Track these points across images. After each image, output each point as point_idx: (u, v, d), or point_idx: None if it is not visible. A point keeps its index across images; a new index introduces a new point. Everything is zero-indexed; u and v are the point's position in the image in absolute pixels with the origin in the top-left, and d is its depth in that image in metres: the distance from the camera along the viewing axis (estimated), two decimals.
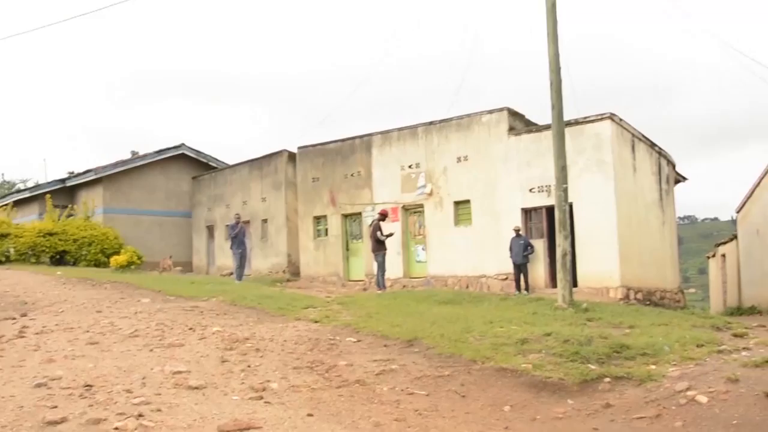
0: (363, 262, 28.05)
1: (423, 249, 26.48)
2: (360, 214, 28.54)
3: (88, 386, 9.06)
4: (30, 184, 61.26)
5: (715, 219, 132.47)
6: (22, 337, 12.99)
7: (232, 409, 8.03)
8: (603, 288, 21.12)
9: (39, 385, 9.16)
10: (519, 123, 24.60)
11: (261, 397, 8.60)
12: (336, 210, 29.54)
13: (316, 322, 14.08)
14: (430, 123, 26.42)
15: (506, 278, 23.34)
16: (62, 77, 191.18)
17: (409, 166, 26.77)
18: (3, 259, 30.74)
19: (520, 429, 7.89)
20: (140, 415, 7.61)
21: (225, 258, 33.22)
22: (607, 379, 9.27)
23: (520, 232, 22.58)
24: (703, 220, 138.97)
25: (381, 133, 28.09)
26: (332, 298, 18.58)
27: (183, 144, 39.05)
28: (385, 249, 22.60)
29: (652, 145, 25.12)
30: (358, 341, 12.13)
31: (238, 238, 25.54)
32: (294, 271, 31.44)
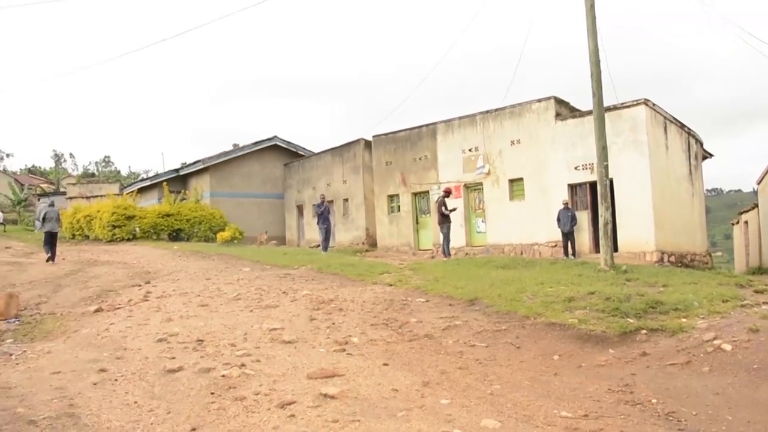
0: (431, 233, 28.03)
1: (482, 221, 26.37)
2: (427, 192, 28.49)
3: (200, 341, 9.32)
4: (151, 174, 62.67)
5: (739, 190, 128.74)
6: (146, 300, 13.37)
7: (319, 359, 8.16)
8: (640, 252, 20.82)
9: (160, 340, 9.47)
10: (564, 109, 24.31)
11: (344, 350, 8.72)
12: (407, 189, 29.55)
13: (390, 285, 14.18)
14: (487, 111, 26.24)
15: (555, 245, 23.15)
16: (177, 84, 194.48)
17: (469, 150, 26.65)
18: (130, 236, 31.53)
19: (568, 375, 7.88)
20: (243, 365, 7.80)
21: (312, 232, 33.45)
22: (644, 331, 9.19)
23: (568, 205, 22.38)
24: (728, 192, 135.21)
25: (444, 121, 27.97)
26: (404, 265, 18.62)
27: (275, 136, 39.36)
28: (450, 222, 22.57)
29: (682, 126, 24.62)
30: (427, 301, 12.20)
31: (323, 215, 25.73)
32: (371, 243, 31.58)
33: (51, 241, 23.50)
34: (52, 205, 25.17)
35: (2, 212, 51.78)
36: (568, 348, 8.97)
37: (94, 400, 6.87)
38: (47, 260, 23.12)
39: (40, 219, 24.45)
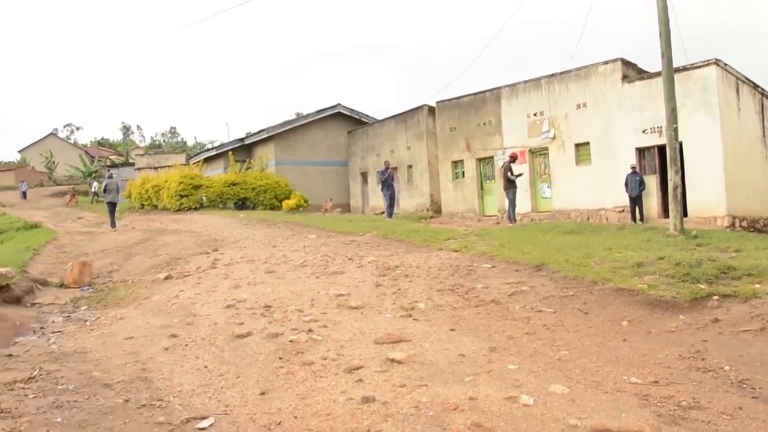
0: (496, 199, 27.92)
1: (548, 186, 26.15)
2: (492, 157, 28.35)
3: (267, 307, 9.45)
4: (216, 144, 63.58)
5: None
6: (215, 267, 13.60)
7: (385, 325, 8.19)
8: (710, 217, 20.40)
9: (228, 306, 9.63)
10: (632, 71, 23.83)
11: (410, 315, 8.73)
12: (471, 155, 29.42)
13: (456, 251, 14.11)
14: (552, 75, 25.89)
15: (623, 210, 22.83)
16: (241, 55, 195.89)
17: (534, 114, 26.35)
18: (197, 205, 32.09)
19: (637, 341, 7.75)
20: (310, 330, 7.88)
21: (377, 199, 33.55)
22: (716, 297, 8.96)
23: (636, 169, 22.00)
24: None
25: (509, 86, 27.71)
26: (469, 231, 18.50)
27: (339, 104, 39.44)
28: (516, 187, 22.39)
29: (755, 86, 23.92)
30: (493, 267, 12.11)
31: (387, 182, 25.76)
32: (436, 209, 31.55)
33: (111, 210, 25.44)
34: (111, 177, 27.27)
35: (97, 182, 53.15)
36: (637, 314, 8.80)
37: (165, 364, 7.03)
38: (113, 227, 24.96)
39: (103, 191, 26.09)
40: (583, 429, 4.91)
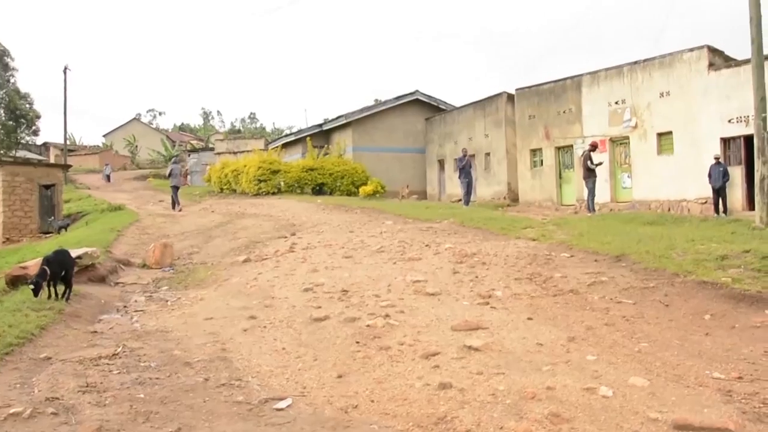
0: (574, 188, 27.52)
1: (628, 176, 25.64)
2: (571, 146, 27.93)
3: (345, 291, 9.53)
4: (294, 130, 64.27)
5: None
6: (292, 251, 13.78)
7: (462, 312, 8.17)
8: None
9: (306, 290, 9.76)
10: (718, 59, 23.11)
11: (487, 303, 8.68)
12: (550, 143, 29.05)
13: (533, 240, 13.95)
14: (635, 62, 25.32)
15: (705, 202, 22.23)
16: (319, 41, 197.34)
17: (616, 102, 25.84)
18: (275, 190, 32.46)
19: (720, 335, 7.53)
20: (387, 316, 7.92)
21: (454, 187, 33.40)
22: None
23: (720, 160, 21.36)
24: None
25: (590, 73, 27.22)
26: (547, 220, 18.30)
27: (417, 90, 39.35)
28: (595, 176, 22.00)
29: None
30: (572, 256, 11.94)
31: (464, 169, 25.65)
32: (513, 198, 31.28)
33: (175, 193, 27.35)
34: (175, 162, 29.46)
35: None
36: (721, 308, 8.54)
37: (244, 345, 7.18)
38: (173, 209, 26.84)
39: (168, 175, 28.05)
40: (663, 423, 4.82)
